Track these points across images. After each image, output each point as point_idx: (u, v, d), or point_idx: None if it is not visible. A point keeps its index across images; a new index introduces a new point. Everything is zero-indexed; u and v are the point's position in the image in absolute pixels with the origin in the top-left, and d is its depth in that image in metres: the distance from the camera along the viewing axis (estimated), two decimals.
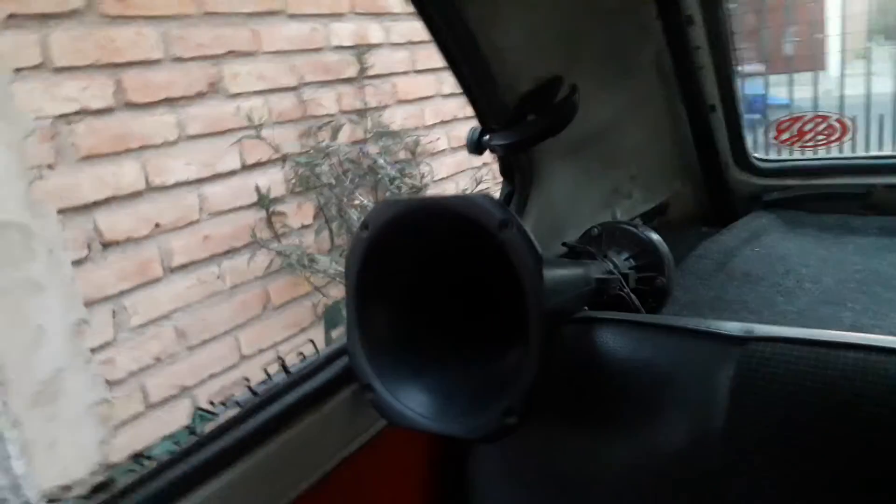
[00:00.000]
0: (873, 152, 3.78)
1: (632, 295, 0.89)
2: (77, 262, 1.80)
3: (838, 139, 1.45)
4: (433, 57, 2.99)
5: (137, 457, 0.66)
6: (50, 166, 1.74)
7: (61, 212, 1.76)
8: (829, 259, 1.17)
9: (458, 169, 3.11)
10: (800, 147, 1.56)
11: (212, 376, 2.15)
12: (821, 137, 1.48)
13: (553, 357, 0.69)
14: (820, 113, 1.54)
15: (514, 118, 1.01)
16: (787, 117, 1.55)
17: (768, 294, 1.08)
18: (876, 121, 4.21)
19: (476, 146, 1.05)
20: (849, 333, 0.68)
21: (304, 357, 0.82)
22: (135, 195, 1.93)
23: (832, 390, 0.64)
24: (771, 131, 1.55)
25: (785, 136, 1.53)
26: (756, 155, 1.41)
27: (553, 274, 0.70)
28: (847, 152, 1.66)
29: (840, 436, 0.63)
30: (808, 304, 1.03)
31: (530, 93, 1.01)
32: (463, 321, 0.78)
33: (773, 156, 1.47)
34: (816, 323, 0.95)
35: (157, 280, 1.99)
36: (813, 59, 4.21)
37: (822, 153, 1.58)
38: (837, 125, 1.45)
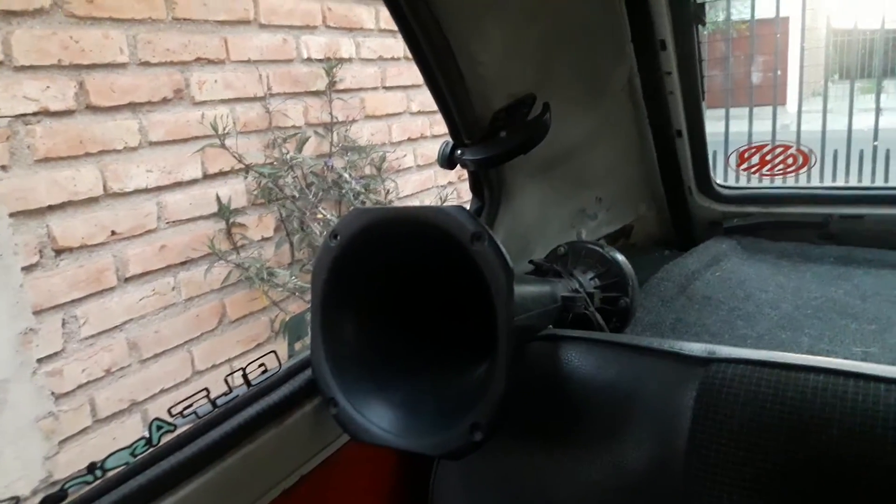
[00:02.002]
0: (830, 183, 3.91)
1: (597, 314, 0.89)
2: (27, 269, 1.73)
3: (800, 168, 1.49)
4: (403, 74, 3.03)
5: (92, 468, 0.63)
6: (3, 167, 1.68)
7: (13, 215, 1.70)
8: (788, 286, 1.20)
9: (424, 187, 3.11)
10: (761, 175, 1.60)
11: (163, 391, 2.08)
12: (782, 166, 1.53)
13: (520, 374, 0.68)
14: (782, 143, 1.59)
15: (486, 134, 1.02)
16: (753, 146, 1.59)
17: (728, 318, 1.10)
18: (830, 155, 4.40)
19: (448, 160, 1.05)
20: (809, 356, 0.70)
21: (266, 369, 0.80)
22: (91, 201, 1.88)
23: (792, 412, 0.65)
24: (737, 159, 1.59)
25: (750, 164, 1.57)
26: (718, 182, 1.44)
27: (521, 290, 0.70)
28: (804, 183, 1.71)
29: (801, 457, 0.64)
30: (767, 328, 1.05)
31: (503, 109, 1.02)
32: (430, 334, 0.77)
33: (734, 183, 1.50)
34: (775, 347, 0.97)
35: (110, 289, 1.93)
36: (773, 94, 4.37)
37: (779, 182, 1.62)
38: (799, 155, 1.49)
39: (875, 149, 4.42)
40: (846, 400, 0.64)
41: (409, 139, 3.00)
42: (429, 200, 3.06)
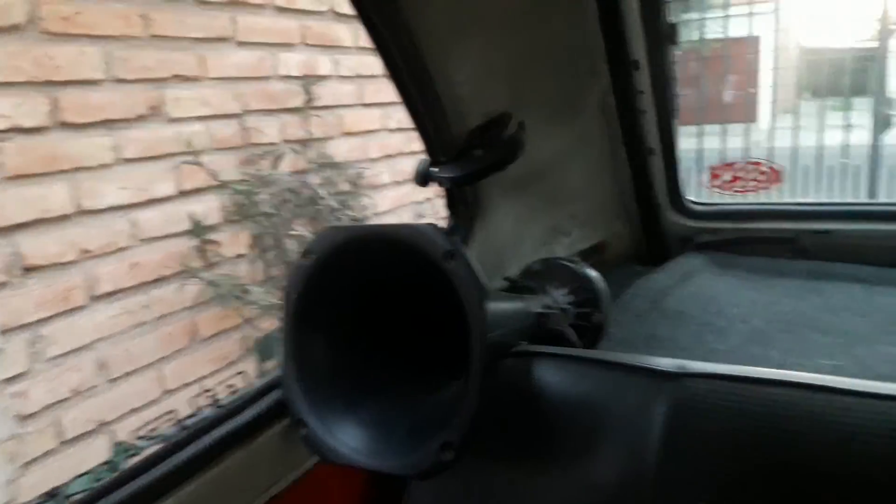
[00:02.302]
0: (800, 199, 3.98)
1: (570, 330, 0.89)
2: None
3: (771, 185, 1.51)
4: (381, 91, 3.04)
5: (53, 494, 0.62)
6: None
7: None
8: (758, 301, 1.21)
9: (400, 203, 3.11)
10: (733, 191, 1.62)
11: (133, 411, 2.04)
12: (753, 184, 1.55)
13: (492, 391, 0.68)
14: (753, 160, 1.61)
15: (461, 152, 1.02)
16: (725, 164, 1.61)
17: (700, 333, 1.10)
18: (801, 171, 4.49)
19: (423, 178, 1.05)
20: (779, 371, 0.70)
21: (236, 389, 0.78)
22: (63, 218, 1.85)
23: (763, 426, 0.65)
24: (709, 176, 1.61)
25: (722, 181, 1.59)
26: (690, 198, 1.46)
27: (495, 307, 0.70)
28: (775, 199, 1.73)
29: (771, 471, 0.64)
30: (738, 343, 1.06)
31: (479, 127, 1.02)
32: (404, 352, 0.76)
33: (709, 200, 1.52)
34: (746, 361, 0.97)
35: (79, 308, 1.90)
36: (746, 112, 4.45)
37: (751, 198, 1.64)
38: (770, 172, 1.51)
39: (843, 165, 4.52)
40: (815, 413, 0.64)
41: (387, 156, 3.01)
42: (405, 217, 3.07)
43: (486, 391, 0.63)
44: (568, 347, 0.86)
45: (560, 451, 0.75)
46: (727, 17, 4.54)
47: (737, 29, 4.70)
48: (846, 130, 4.48)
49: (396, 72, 0.92)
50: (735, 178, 1.50)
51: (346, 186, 2.72)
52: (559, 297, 0.95)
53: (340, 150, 2.78)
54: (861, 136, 4.84)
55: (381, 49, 0.89)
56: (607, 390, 0.75)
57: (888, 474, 0.60)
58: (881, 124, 4.67)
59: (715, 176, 1.51)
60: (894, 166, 4.76)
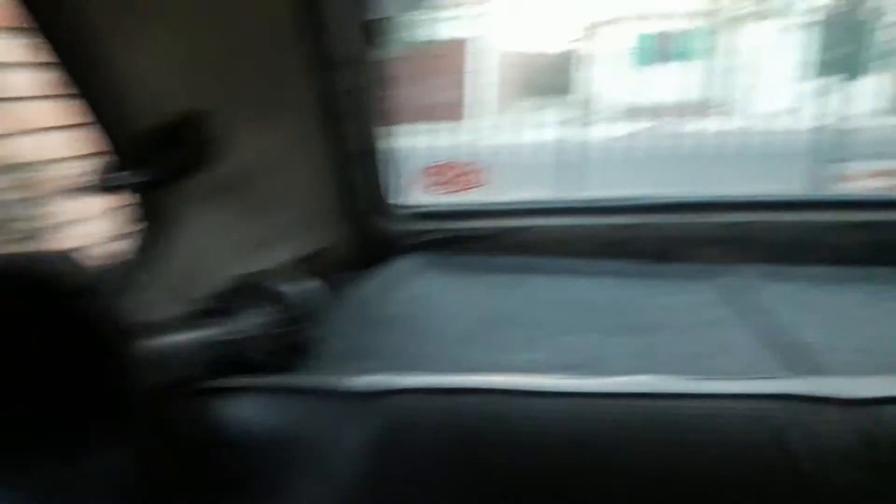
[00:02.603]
0: (507, 197, 4.37)
1: (270, 355, 0.82)
2: None
3: (480, 183, 1.59)
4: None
5: None
6: None
7: None
8: (465, 300, 1.25)
9: (92, 210, 2.72)
10: (445, 192, 1.68)
11: None
12: (463, 183, 1.61)
13: (173, 438, 0.59)
14: (462, 161, 1.67)
15: (148, 154, 0.92)
16: (434, 164, 1.65)
17: (409, 338, 1.11)
18: (510, 168, 4.94)
19: (105, 185, 0.93)
20: (476, 377, 0.71)
21: None
22: None
23: (464, 438, 0.65)
24: (419, 177, 1.64)
25: (432, 181, 1.63)
26: (402, 201, 1.46)
27: (169, 342, 0.61)
28: (486, 197, 1.83)
29: (474, 484, 0.63)
30: (446, 345, 1.08)
31: (168, 126, 0.92)
32: (58, 411, 0.62)
33: (419, 201, 1.54)
34: (452, 364, 1.00)
35: None
36: (455, 111, 4.77)
37: (463, 197, 1.72)
38: (477, 171, 1.59)
39: (549, 161, 5.07)
40: (512, 419, 0.65)
41: (78, 155, 2.62)
42: (102, 225, 2.71)
43: (166, 440, 0.54)
44: (266, 377, 0.79)
45: (259, 493, 0.68)
46: (440, 18, 4.81)
47: (450, 31, 5.01)
48: (553, 127, 5.04)
49: (64, 58, 0.82)
50: (446, 179, 1.55)
51: (26, 193, 2.33)
52: (258, 318, 0.87)
53: (18, 149, 2.36)
54: (567, 133, 5.49)
55: (43, 30, 0.79)
56: (304, 420, 0.70)
57: (569, 473, 0.62)
58: (584, 121, 5.34)
59: (426, 176, 1.55)
60: (598, 160, 5.46)
